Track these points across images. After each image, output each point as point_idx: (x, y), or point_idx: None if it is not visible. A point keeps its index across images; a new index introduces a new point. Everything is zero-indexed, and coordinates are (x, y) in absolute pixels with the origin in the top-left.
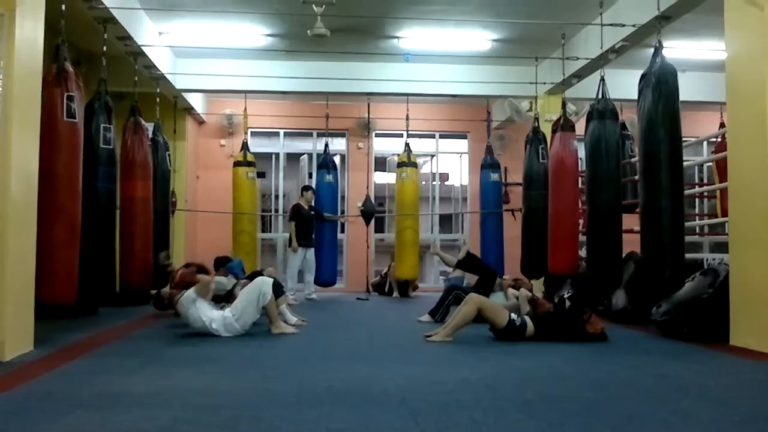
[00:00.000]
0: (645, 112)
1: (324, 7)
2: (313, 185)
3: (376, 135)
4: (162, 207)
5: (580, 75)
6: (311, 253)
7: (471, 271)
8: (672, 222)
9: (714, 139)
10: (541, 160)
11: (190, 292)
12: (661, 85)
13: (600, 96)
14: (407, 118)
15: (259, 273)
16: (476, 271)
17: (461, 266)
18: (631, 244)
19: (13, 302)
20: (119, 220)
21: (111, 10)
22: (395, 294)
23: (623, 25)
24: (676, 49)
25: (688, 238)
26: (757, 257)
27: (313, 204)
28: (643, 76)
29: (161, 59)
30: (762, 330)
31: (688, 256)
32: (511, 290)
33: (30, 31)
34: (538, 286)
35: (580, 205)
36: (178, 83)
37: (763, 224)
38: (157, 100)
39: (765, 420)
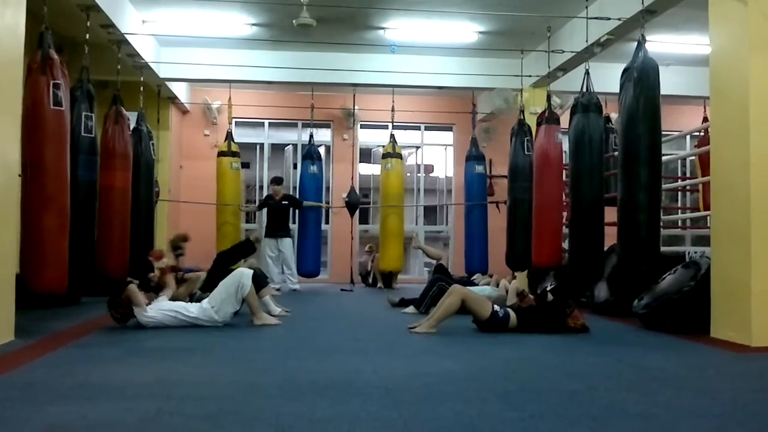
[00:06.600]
0: (626, 107)
1: None
2: (298, 176)
3: (361, 126)
4: (146, 197)
5: (565, 68)
6: (285, 244)
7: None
8: (649, 217)
9: (697, 133)
10: (526, 153)
11: (135, 312)
12: (642, 79)
13: (584, 89)
14: (392, 110)
15: (246, 242)
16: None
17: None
18: (614, 237)
19: None
20: (97, 210)
21: None
22: (379, 285)
23: (608, 19)
24: (661, 43)
25: (670, 231)
26: (738, 250)
27: (290, 194)
28: (625, 71)
29: (145, 48)
30: (742, 322)
31: (670, 249)
32: (503, 282)
33: (11, 19)
34: (521, 278)
35: (564, 198)
36: (162, 72)
37: (745, 218)
38: (141, 89)
39: (744, 411)
